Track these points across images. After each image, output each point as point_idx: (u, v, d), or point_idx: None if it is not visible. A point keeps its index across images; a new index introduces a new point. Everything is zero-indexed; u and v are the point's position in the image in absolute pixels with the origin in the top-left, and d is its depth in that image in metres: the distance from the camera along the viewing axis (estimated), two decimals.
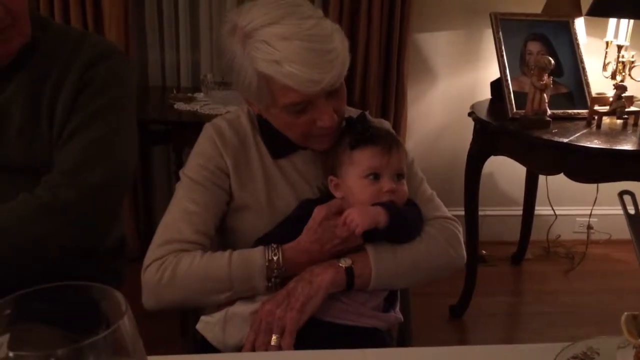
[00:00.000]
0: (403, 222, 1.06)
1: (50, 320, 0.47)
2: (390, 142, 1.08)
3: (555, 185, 2.79)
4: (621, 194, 0.76)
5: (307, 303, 1.00)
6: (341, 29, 1.05)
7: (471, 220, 2.34)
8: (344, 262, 1.04)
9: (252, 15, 1.00)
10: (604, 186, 2.43)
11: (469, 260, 2.35)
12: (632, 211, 0.74)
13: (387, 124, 1.24)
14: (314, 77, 0.97)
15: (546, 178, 2.76)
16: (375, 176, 1.06)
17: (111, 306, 0.42)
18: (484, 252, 2.86)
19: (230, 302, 1.07)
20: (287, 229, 1.08)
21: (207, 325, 1.08)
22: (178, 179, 1.17)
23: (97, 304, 0.43)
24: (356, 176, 1.07)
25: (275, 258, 1.03)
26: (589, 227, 2.97)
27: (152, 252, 1.08)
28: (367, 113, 1.15)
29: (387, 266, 1.06)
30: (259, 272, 1.02)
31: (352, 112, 1.18)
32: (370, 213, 1.02)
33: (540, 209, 2.88)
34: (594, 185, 2.70)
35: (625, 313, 0.69)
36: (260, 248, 1.05)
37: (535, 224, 2.85)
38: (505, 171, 2.88)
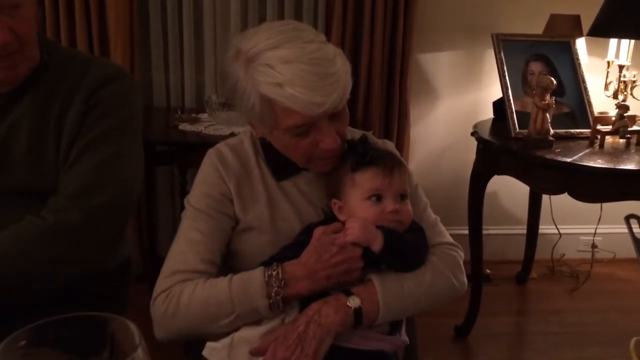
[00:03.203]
0: (399, 252, 1.06)
1: (61, 348, 0.48)
2: (392, 163, 1.08)
3: (559, 204, 2.78)
4: (627, 217, 0.76)
5: (319, 347, 1.00)
6: (343, 53, 1.06)
7: (475, 239, 2.33)
8: (353, 302, 1.03)
9: (255, 40, 1.01)
10: (608, 205, 2.43)
11: (473, 280, 2.38)
12: (639, 235, 0.74)
13: (390, 145, 1.24)
14: (316, 100, 0.98)
15: (550, 197, 2.76)
16: (378, 197, 1.07)
17: (125, 338, 0.42)
18: (488, 271, 2.85)
19: (236, 328, 1.06)
20: (291, 252, 1.07)
21: (213, 351, 1.08)
22: (182, 199, 1.17)
23: (108, 333, 0.43)
24: (359, 198, 1.07)
25: (274, 273, 1.02)
26: (594, 245, 2.96)
27: (160, 284, 1.08)
28: (369, 134, 1.16)
29: (394, 303, 1.05)
30: (259, 289, 1.02)
31: (356, 133, 1.18)
32: (369, 231, 1.03)
33: (545, 228, 2.88)
34: (598, 204, 2.69)
35: (635, 338, 0.69)
36: (260, 268, 1.05)
37: (539, 243, 2.85)
38: (508, 190, 2.88)
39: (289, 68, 0.97)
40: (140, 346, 0.39)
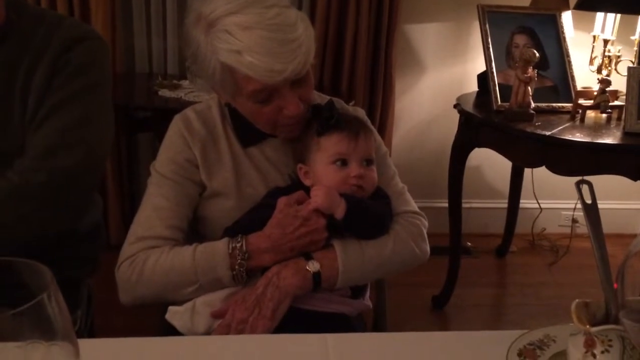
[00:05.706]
0: (362, 220, 1.06)
1: None
2: (357, 128, 1.08)
3: (541, 178, 2.80)
4: (578, 183, 0.77)
5: (277, 309, 1.01)
6: (307, 17, 1.04)
7: (455, 211, 2.34)
8: (312, 267, 1.04)
9: (215, 4, 0.99)
10: (589, 180, 2.44)
11: (451, 252, 2.40)
12: (589, 201, 0.75)
13: (361, 112, 1.23)
14: (276, 67, 0.96)
15: (532, 171, 2.77)
16: (343, 162, 1.07)
17: (37, 281, 0.42)
18: (469, 244, 2.87)
19: None
20: (256, 216, 1.08)
21: (176, 314, 1.08)
22: None
23: (23, 280, 0.43)
24: (324, 162, 1.07)
25: (238, 245, 1.02)
26: (574, 220, 2.98)
27: (125, 250, 1.08)
28: (337, 100, 1.15)
29: (354, 268, 1.06)
30: (223, 260, 1.02)
31: (325, 99, 1.18)
32: (333, 199, 1.03)
33: (526, 202, 2.89)
34: (580, 179, 2.70)
35: (577, 300, 0.70)
36: (224, 239, 1.05)
37: (522, 217, 2.86)
38: (491, 164, 2.89)
39: (248, 35, 0.96)
40: (51, 288, 0.39)
